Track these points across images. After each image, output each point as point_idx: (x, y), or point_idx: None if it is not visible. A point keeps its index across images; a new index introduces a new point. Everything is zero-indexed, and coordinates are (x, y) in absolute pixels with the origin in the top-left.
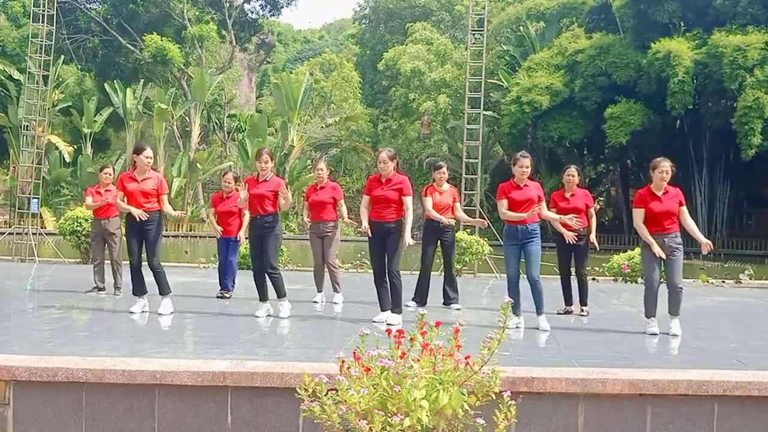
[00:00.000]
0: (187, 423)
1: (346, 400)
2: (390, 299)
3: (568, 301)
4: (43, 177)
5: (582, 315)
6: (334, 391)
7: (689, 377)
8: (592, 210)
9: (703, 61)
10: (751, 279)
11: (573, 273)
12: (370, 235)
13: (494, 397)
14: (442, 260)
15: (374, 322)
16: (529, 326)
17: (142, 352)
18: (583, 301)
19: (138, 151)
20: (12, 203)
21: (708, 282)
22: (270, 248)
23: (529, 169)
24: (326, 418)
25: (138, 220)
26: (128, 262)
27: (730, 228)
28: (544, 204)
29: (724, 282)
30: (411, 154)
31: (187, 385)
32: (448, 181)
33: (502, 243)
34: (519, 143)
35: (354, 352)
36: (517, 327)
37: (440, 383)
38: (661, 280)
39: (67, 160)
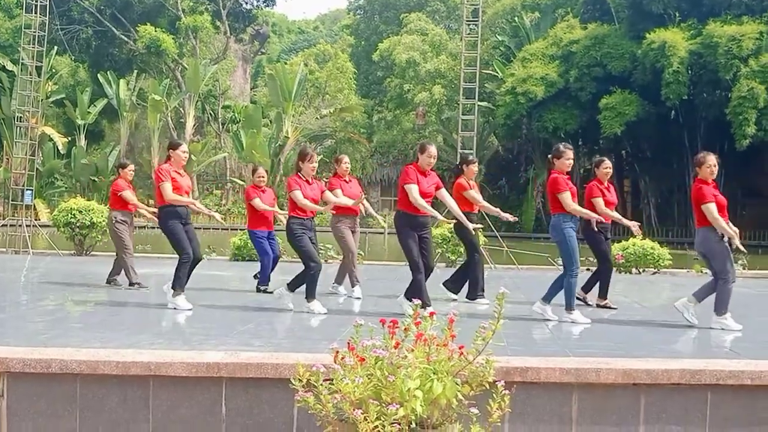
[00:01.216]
0: (182, 414)
1: (340, 390)
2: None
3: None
4: (37, 168)
5: (612, 308)
6: (328, 381)
7: (683, 366)
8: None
9: (697, 51)
10: (744, 269)
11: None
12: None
13: (488, 387)
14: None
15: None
16: (524, 317)
17: (137, 344)
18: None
19: (174, 146)
20: (5, 195)
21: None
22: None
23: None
24: (321, 408)
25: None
26: (183, 256)
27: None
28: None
29: None
30: (406, 145)
31: (182, 376)
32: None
33: (497, 234)
34: (514, 134)
35: (348, 343)
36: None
37: (434, 373)
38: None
39: (61, 152)
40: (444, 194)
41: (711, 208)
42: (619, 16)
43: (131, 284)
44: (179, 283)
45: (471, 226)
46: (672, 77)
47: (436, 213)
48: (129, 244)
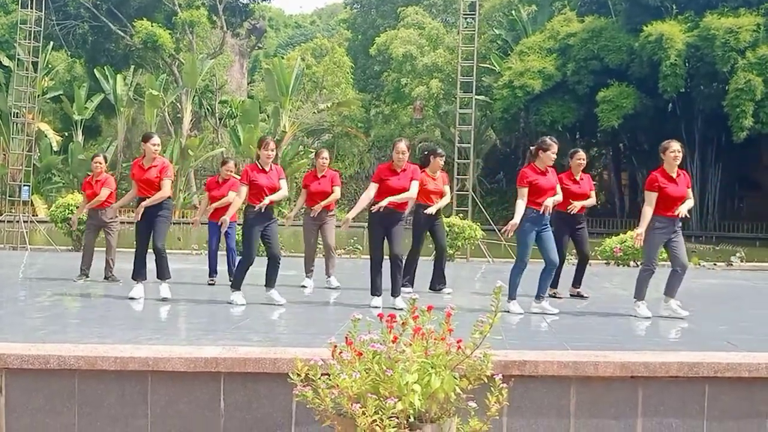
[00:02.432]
0: (180, 409)
1: (338, 385)
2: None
3: (555, 284)
4: (34, 164)
5: (584, 297)
6: (326, 376)
7: (680, 359)
8: (593, 193)
9: (695, 44)
10: (742, 261)
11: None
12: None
13: (486, 381)
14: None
15: (375, 307)
16: (522, 310)
17: (135, 339)
18: (578, 283)
19: (145, 138)
20: (2, 191)
21: (699, 264)
22: (276, 236)
23: (554, 155)
24: (319, 403)
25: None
26: (135, 247)
27: (722, 211)
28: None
29: (715, 264)
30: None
31: (180, 371)
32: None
33: (495, 228)
34: (511, 128)
35: (346, 337)
36: (520, 313)
37: (432, 367)
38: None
39: (56, 148)
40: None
41: (648, 197)
42: (616, 9)
43: (82, 275)
44: (137, 272)
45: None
46: (669, 70)
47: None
48: (87, 240)
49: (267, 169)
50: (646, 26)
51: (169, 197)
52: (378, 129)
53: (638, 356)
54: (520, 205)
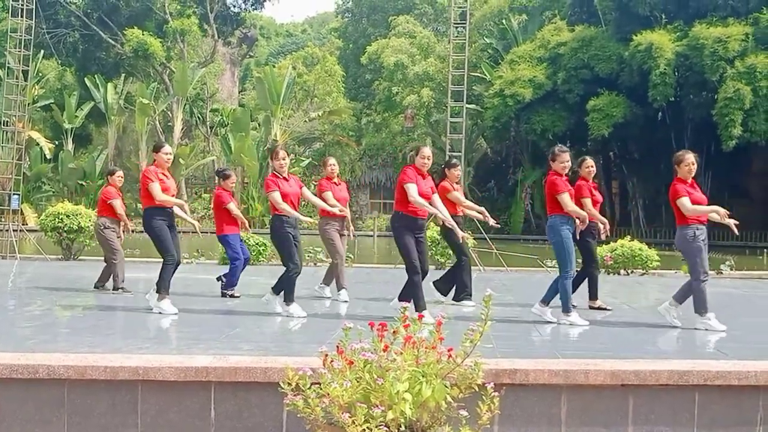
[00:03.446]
0: (171, 418)
1: (329, 394)
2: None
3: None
4: (24, 173)
5: (607, 309)
6: (317, 385)
7: (670, 367)
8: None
9: (684, 53)
10: (732, 270)
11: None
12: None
13: (477, 389)
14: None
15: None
16: (513, 318)
17: (125, 349)
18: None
19: (157, 148)
20: None
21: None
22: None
23: (569, 163)
24: (310, 412)
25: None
26: (168, 258)
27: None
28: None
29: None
30: (394, 147)
31: (170, 380)
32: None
33: (486, 236)
34: (502, 136)
35: (337, 346)
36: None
37: (423, 376)
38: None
39: (48, 156)
40: (436, 200)
41: (684, 202)
42: (606, 18)
43: (116, 288)
44: (164, 286)
45: (461, 234)
46: (659, 79)
47: (436, 211)
48: (118, 249)
49: (287, 177)
50: (636, 35)
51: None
52: (369, 137)
53: (629, 364)
54: (579, 210)
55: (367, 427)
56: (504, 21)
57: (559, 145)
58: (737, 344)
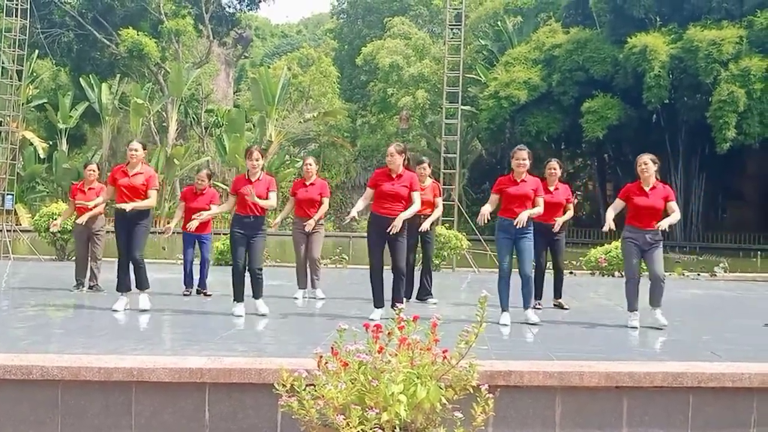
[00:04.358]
0: (165, 420)
1: (323, 395)
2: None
3: (539, 295)
4: (18, 173)
5: (564, 308)
6: (312, 387)
7: (665, 369)
8: (570, 205)
9: (678, 55)
10: (725, 272)
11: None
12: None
13: (472, 391)
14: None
15: (371, 320)
16: (513, 320)
17: (119, 350)
18: (558, 294)
19: (127, 144)
20: None
21: (683, 275)
22: (259, 250)
23: (526, 162)
24: (304, 414)
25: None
26: (117, 258)
27: (706, 221)
28: (541, 201)
29: (699, 275)
30: None
31: (165, 381)
32: (430, 176)
33: (481, 238)
34: (497, 138)
35: (332, 348)
36: (505, 324)
37: (418, 377)
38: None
39: (42, 156)
40: (414, 198)
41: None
42: (601, 21)
43: (80, 285)
44: (118, 283)
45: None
46: (653, 81)
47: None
48: (79, 251)
49: (254, 179)
50: (631, 38)
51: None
52: (364, 139)
53: (623, 366)
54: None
55: (362, 429)
56: (499, 23)
57: (520, 144)
58: (731, 346)
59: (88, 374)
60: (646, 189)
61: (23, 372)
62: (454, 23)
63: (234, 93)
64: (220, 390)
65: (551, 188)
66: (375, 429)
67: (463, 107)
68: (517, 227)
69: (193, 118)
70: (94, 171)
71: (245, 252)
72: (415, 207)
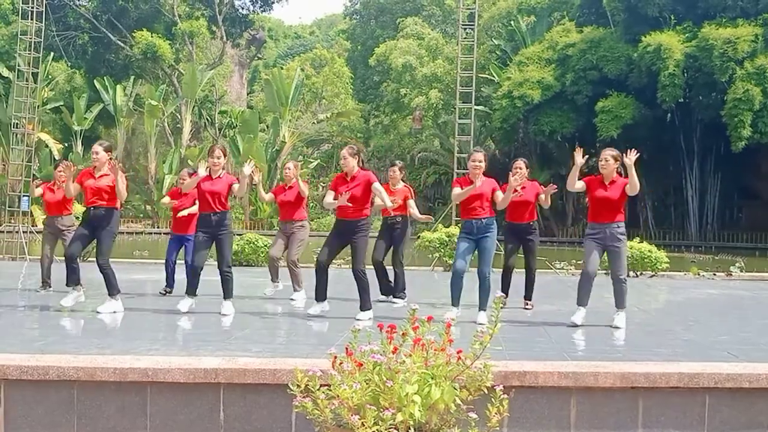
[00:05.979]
0: (180, 420)
1: (338, 395)
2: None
3: (504, 293)
4: (34, 175)
5: (527, 309)
6: (326, 387)
7: (680, 370)
8: (542, 197)
9: (693, 54)
10: (741, 271)
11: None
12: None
13: (486, 392)
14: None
15: (309, 314)
16: (522, 320)
17: (134, 350)
18: (528, 296)
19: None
20: (2, 201)
21: (699, 274)
22: (226, 247)
23: (482, 165)
24: (319, 414)
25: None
26: (65, 251)
27: (721, 220)
28: (499, 193)
29: (715, 275)
30: (403, 149)
31: (179, 382)
32: (403, 180)
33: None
34: (510, 138)
35: (346, 348)
36: (453, 319)
37: (432, 378)
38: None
39: (57, 158)
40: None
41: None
42: (615, 20)
43: (45, 285)
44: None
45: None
46: (668, 80)
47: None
48: (45, 250)
49: (214, 176)
50: (645, 36)
51: (114, 208)
52: (377, 139)
53: (639, 367)
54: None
55: (377, 430)
56: (512, 22)
57: (477, 146)
58: (748, 346)
59: (103, 375)
60: (606, 183)
61: (40, 372)
62: (467, 23)
63: (247, 94)
64: (234, 390)
65: (518, 187)
66: (390, 429)
67: (476, 107)
68: (478, 226)
69: (207, 119)
70: (68, 168)
71: (207, 255)
72: (383, 195)
